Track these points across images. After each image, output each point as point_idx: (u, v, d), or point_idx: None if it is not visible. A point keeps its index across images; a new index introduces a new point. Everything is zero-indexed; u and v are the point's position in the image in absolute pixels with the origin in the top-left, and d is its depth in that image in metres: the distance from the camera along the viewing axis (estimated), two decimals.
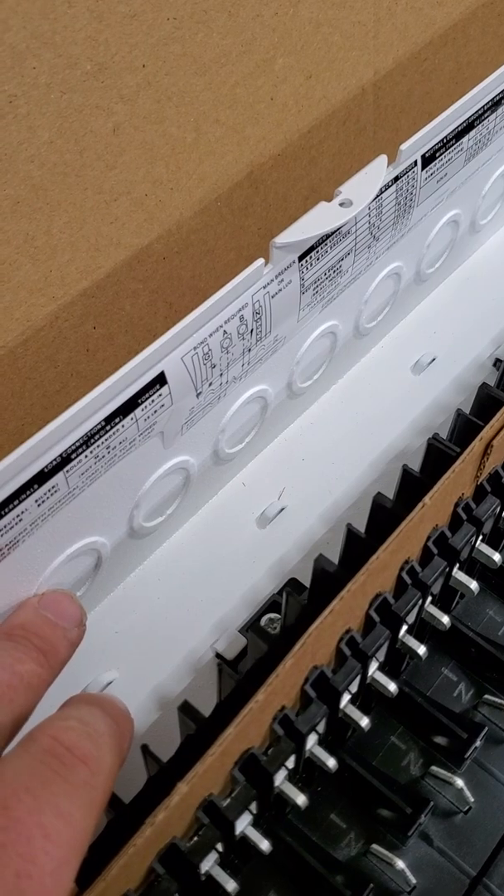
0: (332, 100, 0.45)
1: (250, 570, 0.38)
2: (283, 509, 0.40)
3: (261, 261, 0.32)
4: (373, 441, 0.43)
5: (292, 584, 0.36)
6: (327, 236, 0.34)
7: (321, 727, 0.29)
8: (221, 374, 0.34)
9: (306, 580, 0.33)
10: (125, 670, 0.35)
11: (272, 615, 0.35)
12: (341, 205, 0.33)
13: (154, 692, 0.35)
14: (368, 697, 0.33)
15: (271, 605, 0.36)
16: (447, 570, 0.32)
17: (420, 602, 0.31)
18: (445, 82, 0.53)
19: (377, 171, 0.34)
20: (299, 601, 0.30)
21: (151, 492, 0.35)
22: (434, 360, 0.45)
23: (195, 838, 0.27)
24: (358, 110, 0.47)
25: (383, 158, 0.34)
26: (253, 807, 0.28)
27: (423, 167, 0.37)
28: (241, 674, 0.33)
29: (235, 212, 0.43)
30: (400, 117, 0.50)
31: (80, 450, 0.29)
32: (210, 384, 0.34)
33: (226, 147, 0.40)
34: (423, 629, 0.34)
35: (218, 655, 0.35)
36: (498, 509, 0.33)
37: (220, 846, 0.27)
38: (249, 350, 0.35)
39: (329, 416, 0.44)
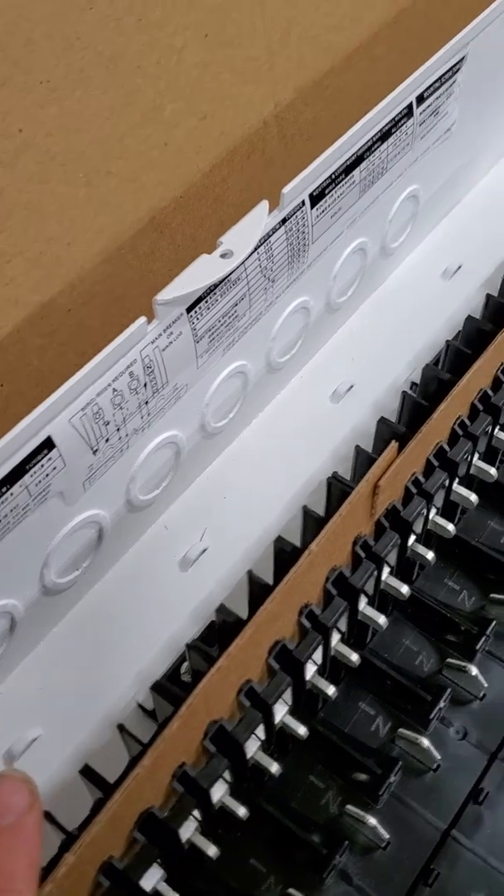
0: (232, 136, 0.45)
1: (174, 614, 0.39)
2: (205, 550, 0.40)
3: (142, 319, 0.32)
4: (295, 473, 0.43)
5: (210, 628, 0.36)
6: (215, 286, 0.34)
7: (228, 776, 0.29)
8: (119, 429, 0.34)
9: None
10: (49, 727, 0.35)
11: None
12: (223, 256, 0.34)
13: (78, 748, 0.35)
14: (283, 740, 0.33)
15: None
16: (347, 609, 0.32)
17: (322, 643, 0.31)
18: (355, 103, 0.54)
19: (257, 219, 0.34)
20: (201, 655, 0.31)
21: (61, 549, 0.35)
22: (352, 387, 0.45)
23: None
24: (262, 143, 0.48)
25: (264, 205, 0.35)
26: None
27: (313, 206, 0.38)
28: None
29: (142, 258, 0.43)
30: (308, 145, 0.51)
31: None
32: (107, 440, 0.34)
33: (122, 196, 0.41)
34: (337, 667, 0.34)
35: (140, 707, 0.36)
36: (398, 542, 0.33)
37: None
38: (147, 402, 0.35)
39: (250, 452, 0.44)
